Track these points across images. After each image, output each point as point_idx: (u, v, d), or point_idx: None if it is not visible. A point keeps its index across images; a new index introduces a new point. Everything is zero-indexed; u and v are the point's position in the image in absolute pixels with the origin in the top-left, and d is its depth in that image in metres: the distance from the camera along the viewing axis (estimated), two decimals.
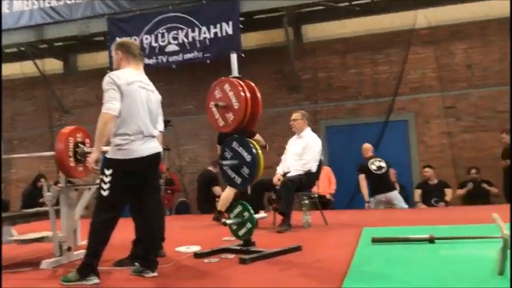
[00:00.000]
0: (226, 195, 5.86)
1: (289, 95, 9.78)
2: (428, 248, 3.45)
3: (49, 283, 3.04)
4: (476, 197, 7.78)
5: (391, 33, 9.41)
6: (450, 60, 9.18)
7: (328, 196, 7.70)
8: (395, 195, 7.59)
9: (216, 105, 3.63)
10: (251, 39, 9.58)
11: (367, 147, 7.95)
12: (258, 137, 5.68)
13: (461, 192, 7.98)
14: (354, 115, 9.54)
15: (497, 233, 2.56)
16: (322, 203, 7.47)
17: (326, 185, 7.69)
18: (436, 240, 3.54)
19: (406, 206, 7.58)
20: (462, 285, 2.32)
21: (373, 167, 7.49)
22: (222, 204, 5.91)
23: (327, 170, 7.82)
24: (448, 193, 7.94)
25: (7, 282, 3.04)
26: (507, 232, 2.36)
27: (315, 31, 9.93)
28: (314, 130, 5.90)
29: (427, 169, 8.21)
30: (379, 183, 7.52)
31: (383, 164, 7.57)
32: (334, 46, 9.70)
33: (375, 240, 3.68)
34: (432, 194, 7.97)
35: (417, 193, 8.10)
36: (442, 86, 9.13)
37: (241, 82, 3.62)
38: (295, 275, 2.97)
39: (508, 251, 2.52)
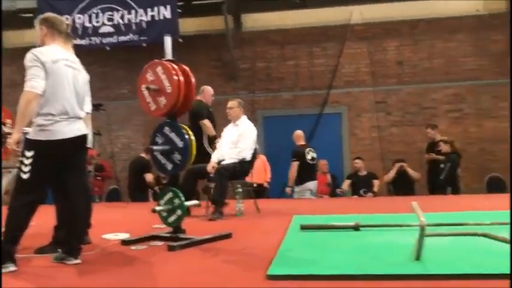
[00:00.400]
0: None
1: (227, 83, 9.76)
2: (354, 235, 3.57)
3: None
4: (402, 185, 8.12)
5: (328, 27, 9.63)
6: (382, 56, 9.53)
7: (265, 184, 7.84)
8: (314, 184, 7.79)
9: (148, 88, 3.54)
10: (190, 25, 9.45)
11: (299, 134, 8.01)
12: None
13: (388, 177, 8.23)
14: (291, 106, 9.69)
15: (416, 221, 2.70)
16: (258, 192, 7.58)
17: (262, 174, 7.78)
18: (361, 228, 3.68)
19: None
20: (381, 270, 2.41)
21: (308, 157, 7.64)
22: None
23: (262, 159, 7.91)
24: (376, 184, 8.27)
25: None
26: (424, 220, 2.49)
27: (254, 21, 9.96)
28: (251, 120, 5.92)
29: (357, 161, 8.50)
30: (310, 173, 7.69)
31: (315, 155, 7.75)
32: (273, 37, 9.78)
33: (304, 228, 3.76)
34: (361, 185, 8.27)
35: (346, 183, 8.38)
36: (374, 81, 9.48)
37: (174, 66, 3.55)
38: (223, 262, 2.97)
39: (424, 238, 2.67)
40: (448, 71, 9.51)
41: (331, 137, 9.45)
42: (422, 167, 8.58)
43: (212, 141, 5.76)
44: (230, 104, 5.50)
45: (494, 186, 8.99)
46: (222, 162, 5.16)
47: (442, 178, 7.47)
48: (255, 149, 5.44)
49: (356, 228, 3.67)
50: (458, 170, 7.66)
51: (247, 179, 5.58)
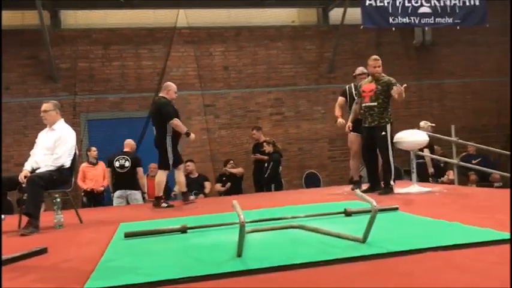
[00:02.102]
0: (159, 179, 5.98)
1: (44, 84, 8.95)
2: (180, 238, 3.54)
3: None
4: (232, 188, 8.44)
5: (155, 29, 9.51)
6: (209, 60, 9.77)
7: (98, 190, 7.66)
8: (134, 194, 7.62)
9: None
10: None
11: (127, 142, 7.86)
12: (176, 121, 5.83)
13: (220, 188, 8.52)
14: (118, 109, 9.30)
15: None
16: (95, 199, 7.27)
17: (100, 181, 7.72)
18: (188, 230, 3.67)
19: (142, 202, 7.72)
20: (204, 270, 2.42)
21: (116, 164, 7.52)
22: (158, 189, 6.00)
23: (102, 165, 7.79)
24: (208, 186, 8.42)
25: None
26: (243, 217, 2.57)
27: (75, 18, 9.32)
28: (73, 123, 5.51)
29: (188, 163, 8.53)
30: (121, 180, 7.56)
31: (126, 164, 7.56)
32: (96, 36, 9.28)
33: (128, 235, 3.60)
34: (193, 187, 8.31)
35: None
36: (203, 84, 9.65)
37: None
38: (35, 280, 2.65)
39: (245, 235, 2.76)
40: (269, 77, 10.18)
41: None
42: (249, 166, 9.02)
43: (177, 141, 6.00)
44: (44, 106, 5.00)
45: (311, 181, 9.93)
46: (37, 171, 4.67)
47: (266, 176, 7.96)
48: (75, 155, 5.04)
49: (183, 230, 3.64)
50: (280, 168, 8.23)
51: (81, 186, 5.25)
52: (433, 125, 8.52)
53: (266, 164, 8.05)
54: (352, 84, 6.39)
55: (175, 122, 5.88)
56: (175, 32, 9.48)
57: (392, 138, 5.73)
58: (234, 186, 8.48)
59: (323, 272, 2.34)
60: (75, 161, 5.10)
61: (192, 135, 6.12)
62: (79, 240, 3.99)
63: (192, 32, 9.62)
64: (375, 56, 5.90)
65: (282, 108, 10.24)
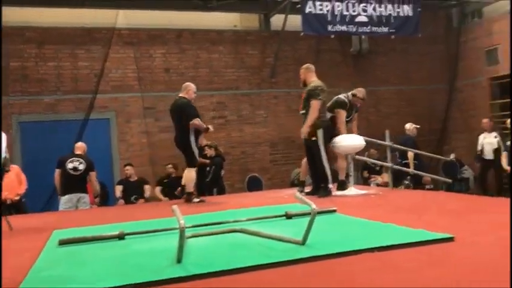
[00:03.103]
0: (188, 175, 6.14)
1: None
2: (118, 244, 3.44)
3: None
4: (173, 192, 8.30)
5: (93, 29, 9.23)
6: (150, 62, 9.60)
7: (17, 197, 6.96)
8: (84, 197, 7.28)
9: None
10: None
11: (77, 145, 7.44)
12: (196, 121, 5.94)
13: (159, 193, 8.38)
14: (53, 111, 8.92)
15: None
16: (13, 207, 6.73)
17: (16, 187, 6.91)
18: (126, 236, 3.57)
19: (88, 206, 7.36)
20: (143, 277, 2.36)
21: (69, 166, 7.10)
22: (188, 185, 6.17)
23: (16, 170, 7.04)
24: (147, 190, 8.26)
25: None
26: (183, 222, 2.53)
27: (8, 15, 8.84)
28: (6, 125, 5.19)
29: (127, 167, 8.35)
30: (72, 183, 7.14)
31: (80, 167, 7.19)
32: (30, 34, 8.86)
33: (62, 243, 3.45)
34: (133, 191, 8.14)
35: (118, 189, 8.16)
36: (143, 87, 9.46)
37: None
38: None
39: (186, 240, 2.73)
40: (212, 80, 10.15)
41: (100, 143, 9.03)
42: None
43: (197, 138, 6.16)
44: None
45: (253, 185, 9.98)
46: None
47: (208, 180, 7.92)
48: (5, 158, 4.76)
49: (120, 237, 3.54)
50: (222, 172, 8.22)
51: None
52: (418, 126, 8.89)
53: (208, 168, 8.01)
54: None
55: (196, 122, 6.05)
56: (115, 32, 9.24)
57: (328, 141, 5.87)
58: (175, 190, 8.34)
59: (264, 275, 2.36)
60: (2, 166, 4.81)
61: (211, 128, 6.36)
62: (8, 250, 3.77)
63: (131, 33, 9.41)
64: (305, 65, 6.05)
65: (224, 111, 10.24)
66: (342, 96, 6.41)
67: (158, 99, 9.58)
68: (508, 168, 7.41)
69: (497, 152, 8.34)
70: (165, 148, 9.51)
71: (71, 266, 2.84)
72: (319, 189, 5.91)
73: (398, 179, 8.96)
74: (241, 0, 9.96)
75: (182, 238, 2.54)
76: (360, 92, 6.45)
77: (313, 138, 5.76)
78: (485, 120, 8.76)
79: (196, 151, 6.16)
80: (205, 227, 3.72)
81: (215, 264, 2.49)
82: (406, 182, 8.33)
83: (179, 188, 6.91)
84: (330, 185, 5.79)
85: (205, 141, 8.57)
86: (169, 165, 8.61)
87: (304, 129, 5.81)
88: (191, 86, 6.32)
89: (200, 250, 2.97)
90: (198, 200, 6.20)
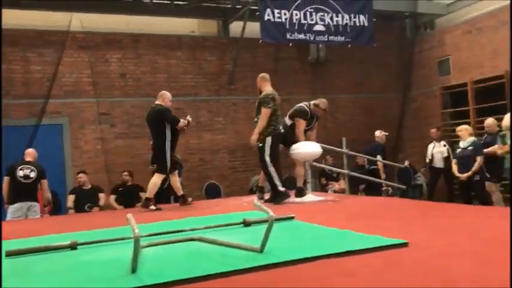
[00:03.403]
0: (154, 181, 6.21)
1: None
2: (70, 255, 3.30)
3: None
4: (128, 200, 8.13)
5: (45, 32, 8.93)
6: (105, 67, 9.39)
7: None
8: (35, 206, 6.99)
9: None
10: None
11: (27, 152, 7.14)
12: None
13: (113, 201, 8.18)
14: (3, 116, 8.54)
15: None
16: None
17: None
18: (78, 246, 3.43)
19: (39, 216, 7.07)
20: (95, 287, 2.27)
21: (20, 174, 6.81)
22: (150, 191, 6.18)
23: None
24: (102, 198, 8.03)
25: None
26: (137, 231, 2.46)
27: None
28: None
29: (81, 175, 8.10)
30: (23, 191, 6.85)
31: (32, 174, 6.91)
32: None
33: (10, 254, 3.28)
34: (86, 200, 7.90)
35: (70, 199, 7.90)
36: (98, 92, 9.23)
37: None
38: None
39: (141, 250, 2.65)
40: (170, 86, 9.99)
41: (52, 150, 8.73)
42: (148, 178, 8.75)
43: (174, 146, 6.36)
44: None
45: (212, 192, 9.91)
46: None
47: (165, 187, 7.77)
48: None
49: (73, 247, 3.41)
50: (180, 179, 8.09)
51: None
52: (387, 133, 9.04)
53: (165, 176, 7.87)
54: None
55: (181, 123, 6.31)
56: (69, 35, 8.97)
57: (274, 150, 5.85)
58: (131, 199, 8.16)
59: (221, 283, 2.32)
60: None
61: (189, 118, 6.54)
62: None
63: (86, 36, 9.17)
64: (261, 74, 6.16)
65: (182, 118, 10.11)
66: (303, 105, 6.47)
67: (114, 105, 9.37)
68: (459, 175, 7.67)
69: (447, 160, 8.63)
70: (120, 155, 9.32)
71: (18, 279, 2.70)
72: (277, 195, 5.93)
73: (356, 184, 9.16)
74: (200, 6, 9.92)
75: (137, 247, 2.47)
76: (323, 103, 6.55)
77: (260, 145, 5.80)
78: (433, 130, 9.03)
79: (168, 159, 6.23)
80: (161, 235, 3.63)
81: (171, 274, 2.43)
82: (386, 188, 8.49)
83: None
84: (281, 189, 5.80)
85: None
86: (125, 173, 8.42)
87: (253, 137, 5.88)
88: (167, 94, 6.46)
89: (156, 260, 2.90)
90: (155, 208, 6.12)
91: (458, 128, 7.99)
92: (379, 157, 8.61)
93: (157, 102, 6.40)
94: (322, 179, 10.36)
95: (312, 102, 6.51)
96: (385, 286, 2.14)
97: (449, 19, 11.00)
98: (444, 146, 8.89)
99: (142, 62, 9.74)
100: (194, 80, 10.27)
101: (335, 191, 9.53)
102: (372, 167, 8.70)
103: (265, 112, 5.78)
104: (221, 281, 2.35)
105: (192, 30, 10.49)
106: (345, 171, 7.93)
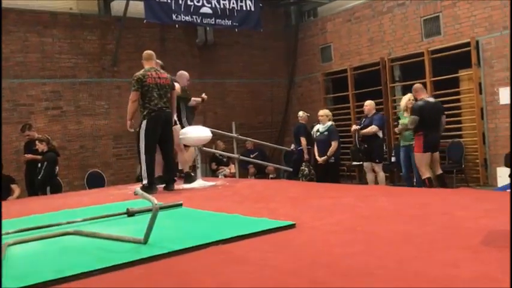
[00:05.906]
0: (189, 154, 6.19)
1: None
2: None
3: None
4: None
5: None
6: None
7: None
8: None
9: None
10: None
11: None
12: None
13: None
14: None
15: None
16: None
17: None
18: None
19: None
20: None
21: None
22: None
23: None
24: None
25: None
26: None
27: None
28: None
29: None
30: None
31: None
32: None
33: None
34: None
35: None
36: None
37: None
38: None
39: (5, 248, 2.32)
40: (44, 67, 9.19)
41: None
42: (21, 167, 8.01)
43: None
44: None
45: (94, 181, 9.31)
46: None
47: (40, 178, 7.13)
48: None
49: None
50: (57, 168, 7.48)
51: None
52: (308, 114, 8.89)
53: (40, 165, 7.21)
54: None
55: (194, 102, 6.63)
56: None
57: (152, 134, 5.49)
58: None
59: (97, 281, 2.09)
60: None
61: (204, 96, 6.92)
62: None
63: None
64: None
65: (59, 102, 9.35)
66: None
67: None
68: (319, 159, 7.89)
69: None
70: None
71: None
72: (169, 182, 5.66)
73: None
74: None
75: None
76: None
77: (137, 129, 5.47)
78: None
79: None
80: (32, 231, 3.25)
81: (40, 275, 2.14)
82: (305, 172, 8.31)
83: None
84: (145, 182, 5.47)
85: (36, 135, 7.74)
86: None
87: (128, 123, 5.56)
88: (184, 73, 6.54)
89: (23, 259, 2.57)
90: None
91: (320, 113, 8.29)
92: (302, 138, 8.53)
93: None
94: (212, 164, 10.30)
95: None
96: (273, 269, 2.10)
97: (331, 7, 11.46)
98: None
99: (11, 40, 8.77)
100: (72, 60, 9.51)
101: (225, 176, 9.52)
102: (300, 148, 8.64)
103: (131, 96, 5.44)
104: (97, 278, 2.12)
105: (70, 7, 9.67)
106: (235, 155, 7.93)
